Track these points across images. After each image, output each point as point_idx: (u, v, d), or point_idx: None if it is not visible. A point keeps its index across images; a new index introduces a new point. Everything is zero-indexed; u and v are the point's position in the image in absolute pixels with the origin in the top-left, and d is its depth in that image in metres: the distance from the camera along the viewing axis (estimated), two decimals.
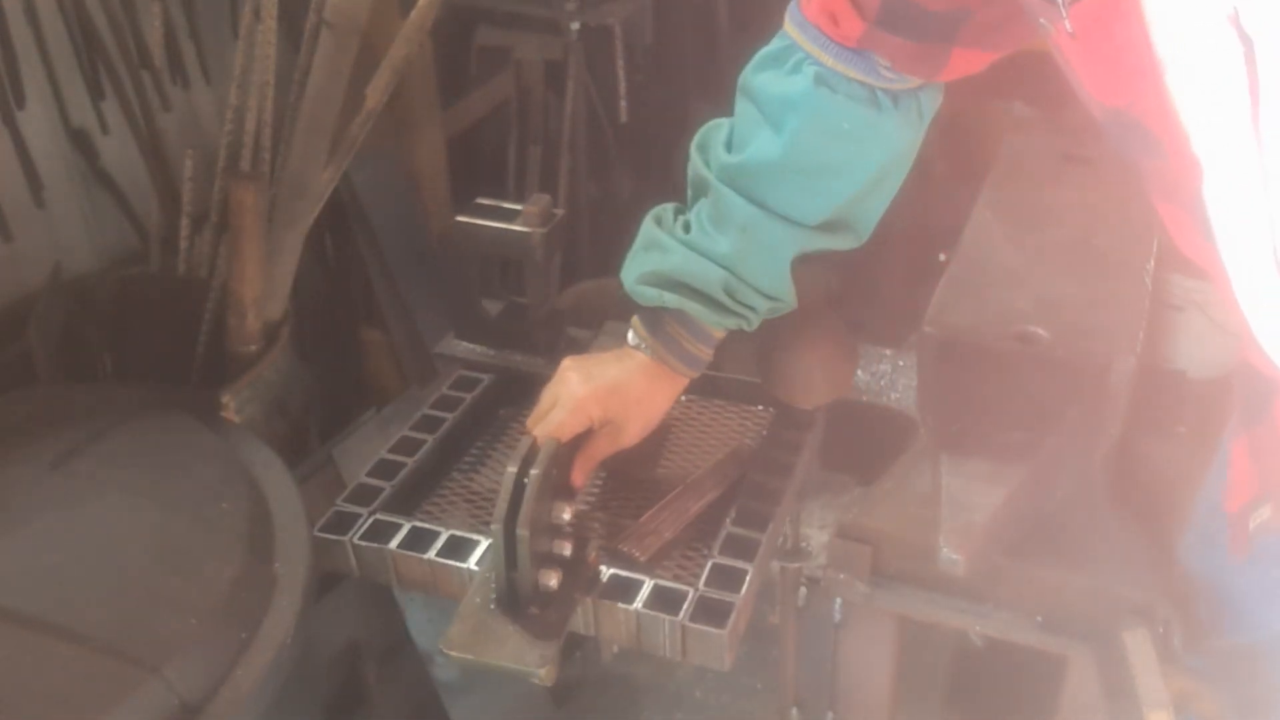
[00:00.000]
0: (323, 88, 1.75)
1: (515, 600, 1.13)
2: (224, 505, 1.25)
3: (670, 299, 1.24)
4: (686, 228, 1.26)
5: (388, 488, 1.34)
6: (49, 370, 1.72)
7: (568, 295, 1.89)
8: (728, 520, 1.29)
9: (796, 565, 1.54)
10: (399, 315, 2.34)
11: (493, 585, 1.14)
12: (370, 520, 1.29)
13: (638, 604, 1.16)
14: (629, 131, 2.87)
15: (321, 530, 1.28)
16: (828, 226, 1.24)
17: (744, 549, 1.25)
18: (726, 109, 1.33)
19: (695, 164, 1.28)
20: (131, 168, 2.03)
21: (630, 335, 1.30)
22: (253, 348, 1.77)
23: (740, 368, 1.51)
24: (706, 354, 1.30)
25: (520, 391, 1.53)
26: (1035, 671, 1.54)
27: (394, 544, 1.26)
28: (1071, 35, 0.81)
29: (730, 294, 1.24)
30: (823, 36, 1.15)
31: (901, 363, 1.72)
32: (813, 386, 1.42)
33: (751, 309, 1.26)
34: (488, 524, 1.26)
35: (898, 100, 1.18)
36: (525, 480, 1.11)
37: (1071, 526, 1.41)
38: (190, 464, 1.31)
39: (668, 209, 1.31)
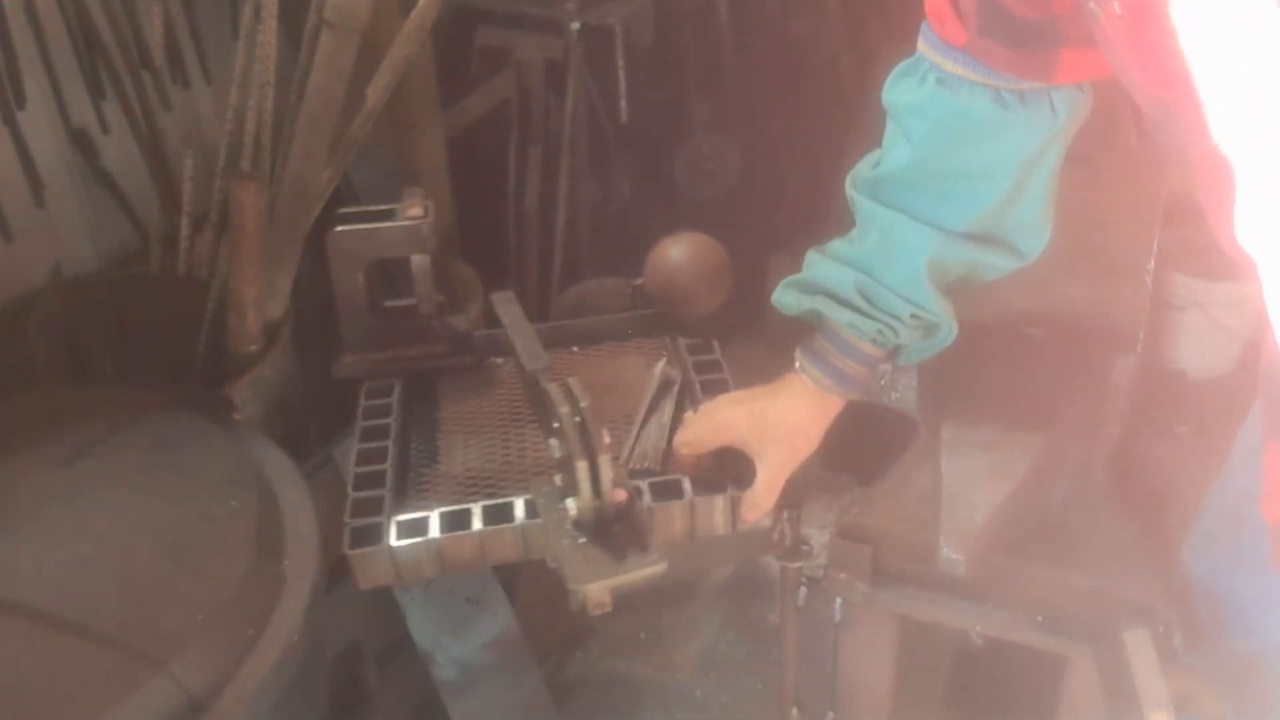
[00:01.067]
0: (323, 88, 1.75)
1: (602, 525, 1.21)
2: (233, 503, 1.25)
3: (805, 303, 1.27)
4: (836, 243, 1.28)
5: (384, 492, 1.34)
6: (49, 370, 1.72)
7: (569, 295, 1.89)
8: None
9: (797, 565, 1.54)
10: None
11: (568, 524, 1.21)
12: (393, 523, 1.29)
13: (688, 496, 1.30)
14: (629, 131, 2.86)
15: (356, 549, 1.26)
16: (975, 237, 1.22)
17: None
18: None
19: (847, 190, 1.27)
20: (132, 168, 2.02)
21: (796, 360, 1.30)
22: (253, 347, 1.77)
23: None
24: (857, 370, 1.27)
25: (427, 385, 1.57)
26: (1035, 671, 1.54)
27: (435, 532, 1.28)
28: (1120, 17, 0.81)
29: (864, 295, 1.23)
30: (940, 42, 1.16)
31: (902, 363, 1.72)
32: (698, 298, 1.58)
33: (893, 315, 1.23)
34: (492, 493, 1.35)
35: (1025, 99, 1.16)
36: (580, 416, 1.17)
37: (1071, 526, 1.41)
38: (199, 463, 1.32)
39: (829, 244, 1.30)
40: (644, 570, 1.19)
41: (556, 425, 1.19)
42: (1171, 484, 1.49)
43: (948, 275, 1.24)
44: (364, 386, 1.54)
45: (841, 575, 1.47)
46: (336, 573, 1.80)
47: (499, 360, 1.62)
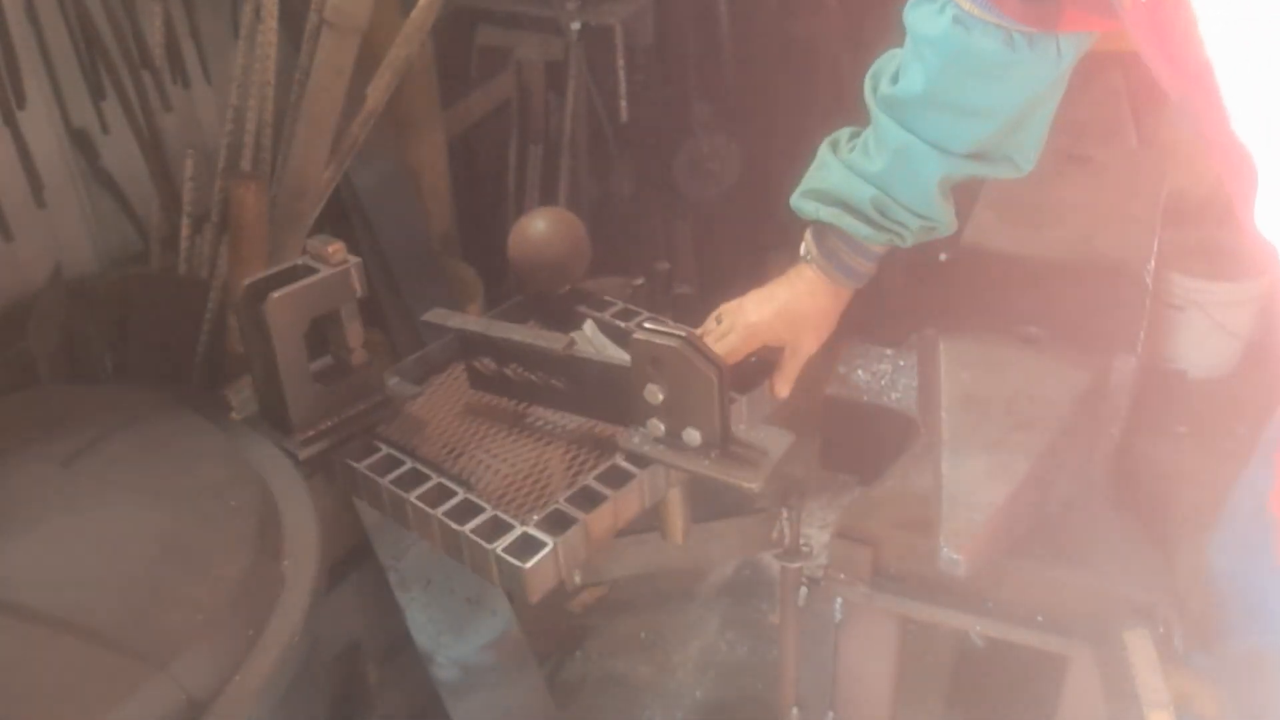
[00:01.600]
0: (323, 88, 1.75)
1: (725, 438, 1.31)
2: (232, 504, 1.25)
3: (825, 213, 1.38)
4: (852, 150, 1.38)
5: (489, 511, 1.29)
6: (50, 370, 1.72)
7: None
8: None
9: (797, 565, 1.54)
10: (399, 315, 2.34)
11: (693, 450, 1.30)
12: (530, 526, 1.26)
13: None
14: (629, 131, 2.87)
15: (525, 563, 1.21)
16: (978, 156, 1.33)
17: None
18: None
19: (866, 91, 1.38)
20: (132, 168, 2.03)
21: (802, 248, 1.44)
22: None
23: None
24: (866, 267, 1.42)
25: (397, 431, 1.47)
26: (1035, 671, 1.54)
27: (577, 514, 1.29)
28: (1143, 3, 0.83)
29: (880, 210, 1.35)
30: None
31: (901, 363, 1.72)
32: (569, 267, 1.63)
33: (903, 225, 1.36)
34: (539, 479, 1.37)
35: (1033, 42, 1.23)
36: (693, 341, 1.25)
37: (1072, 526, 1.41)
38: (199, 463, 1.32)
39: (844, 133, 1.43)
40: (785, 443, 1.35)
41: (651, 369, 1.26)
42: (1171, 484, 1.49)
43: (953, 184, 1.37)
44: (337, 467, 1.42)
45: (842, 575, 1.47)
46: (337, 572, 1.81)
47: (439, 376, 1.59)
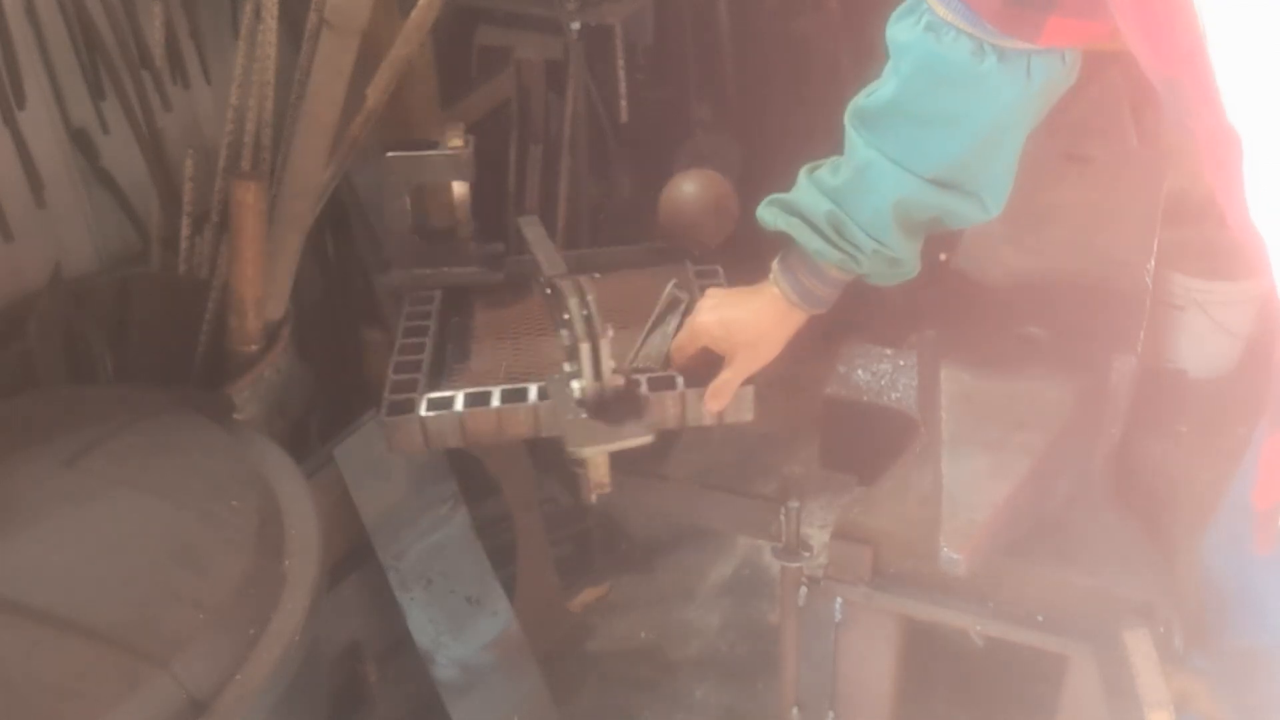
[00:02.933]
0: (323, 88, 1.75)
1: (604, 402, 1.37)
2: (234, 503, 1.25)
3: (783, 221, 1.36)
4: (821, 167, 1.36)
5: (419, 376, 1.53)
6: (50, 370, 1.72)
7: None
8: None
9: (797, 565, 1.54)
10: (400, 314, 2.33)
11: (575, 400, 1.37)
12: (424, 399, 1.49)
13: (679, 387, 1.46)
14: (629, 131, 2.87)
15: (391, 414, 1.47)
16: (941, 183, 1.29)
17: None
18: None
19: (846, 113, 1.35)
20: (132, 168, 2.02)
21: (770, 269, 1.43)
22: (253, 348, 1.77)
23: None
24: (822, 291, 1.38)
25: (463, 299, 1.75)
26: (1035, 671, 1.54)
27: (459, 407, 1.47)
28: None
29: (835, 227, 1.32)
30: None
31: (901, 363, 1.72)
32: (706, 228, 1.73)
33: (857, 246, 1.32)
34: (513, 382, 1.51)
35: (1004, 56, 1.21)
36: (589, 308, 1.33)
37: (1071, 526, 1.41)
38: (201, 463, 1.32)
39: (824, 161, 1.39)
40: (633, 439, 1.35)
41: (566, 317, 1.35)
42: (1171, 484, 1.49)
43: (914, 218, 1.32)
44: (407, 297, 1.73)
45: (842, 575, 1.47)
46: (337, 572, 1.81)
47: (537, 280, 1.73)
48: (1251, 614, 1.25)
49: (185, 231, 1.89)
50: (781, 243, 1.40)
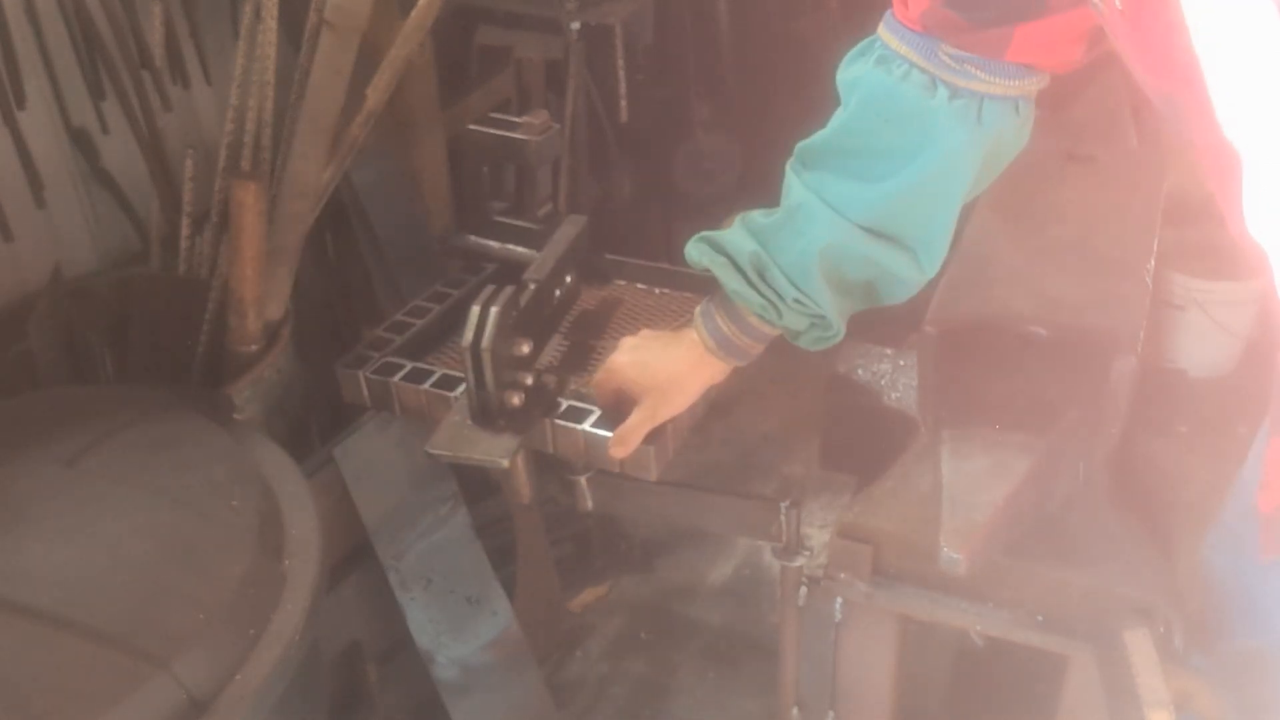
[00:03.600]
0: (323, 88, 1.75)
1: (486, 414, 1.38)
2: (234, 503, 1.26)
3: (707, 259, 1.30)
4: (754, 211, 1.31)
5: (398, 340, 1.61)
6: (50, 370, 1.72)
7: None
8: None
9: (797, 565, 1.54)
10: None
11: (465, 405, 1.39)
12: (380, 361, 1.58)
13: (587, 425, 1.44)
14: (629, 131, 2.87)
15: (343, 365, 1.57)
16: (875, 231, 1.21)
17: None
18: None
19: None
20: (132, 168, 2.02)
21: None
22: (253, 348, 1.77)
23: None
24: (741, 341, 1.31)
25: (518, 279, 1.72)
26: (1036, 671, 1.54)
27: (397, 377, 1.55)
28: (1120, 11, 0.82)
29: (757, 268, 1.26)
30: (893, 20, 1.19)
31: (902, 363, 1.72)
32: None
33: (778, 293, 1.25)
34: None
35: (956, 94, 1.16)
36: (489, 314, 1.33)
37: (1072, 526, 1.41)
38: (201, 463, 1.33)
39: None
40: (484, 457, 1.35)
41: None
42: (1171, 484, 1.49)
43: (843, 272, 1.25)
44: (461, 264, 1.81)
45: (842, 575, 1.47)
46: (337, 573, 1.81)
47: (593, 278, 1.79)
48: (1254, 616, 1.25)
49: (185, 231, 1.89)
50: (710, 287, 1.34)
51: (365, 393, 1.58)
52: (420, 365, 1.57)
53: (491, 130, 1.74)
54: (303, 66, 1.80)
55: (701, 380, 1.37)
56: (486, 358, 1.33)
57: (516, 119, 1.76)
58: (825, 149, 1.23)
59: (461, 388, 1.47)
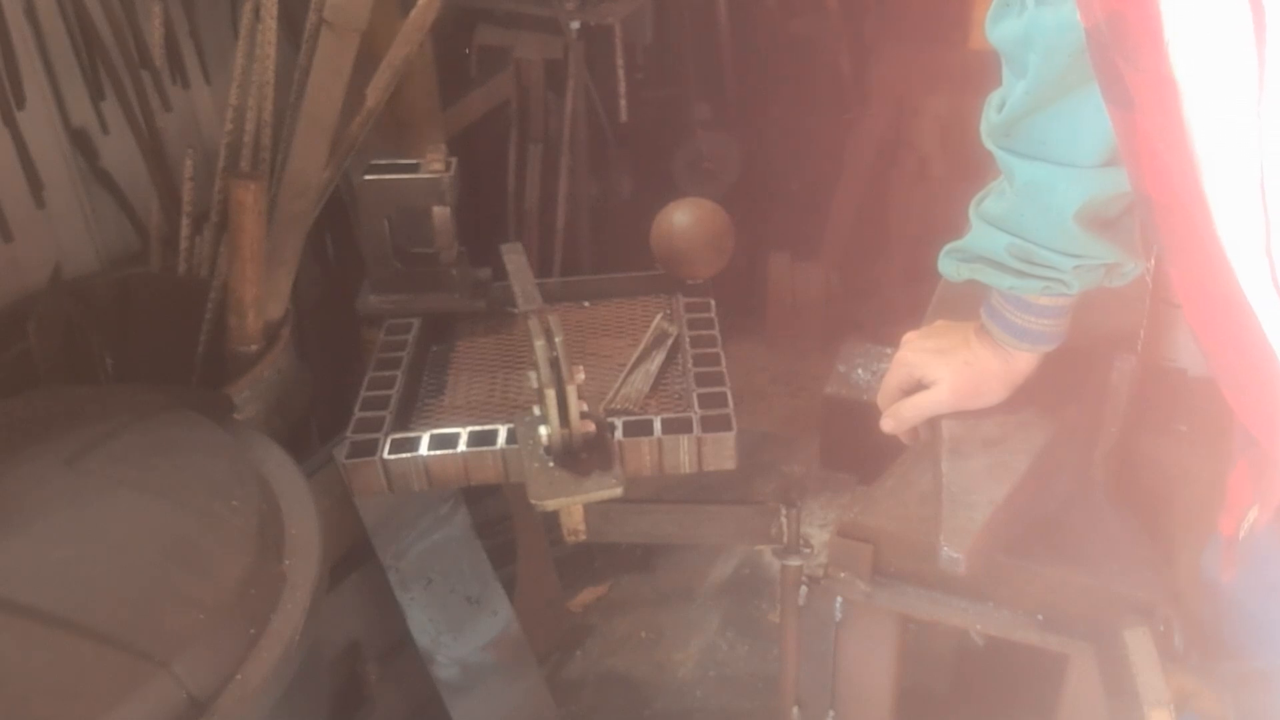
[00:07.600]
0: (323, 87, 1.75)
1: (571, 450, 1.32)
2: (234, 503, 1.25)
3: (965, 270, 1.25)
4: (985, 198, 1.23)
5: (386, 415, 1.50)
6: (50, 370, 1.72)
7: None
8: (690, 364, 1.53)
9: (797, 564, 1.54)
10: None
11: (543, 447, 1.32)
12: (388, 440, 1.46)
13: (656, 433, 1.42)
14: (629, 131, 2.87)
15: (349, 458, 1.44)
16: (1113, 161, 1.12)
17: (714, 379, 1.53)
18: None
19: (984, 142, 1.21)
20: (132, 168, 2.03)
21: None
22: (253, 348, 1.77)
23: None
24: (1039, 324, 1.25)
25: (445, 326, 1.73)
26: (1036, 670, 1.54)
27: (424, 450, 1.44)
28: (1136, 109, 0.79)
29: (1020, 257, 1.19)
30: None
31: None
32: (702, 260, 1.71)
33: (1054, 268, 1.18)
34: (488, 423, 1.48)
35: None
36: (556, 350, 1.29)
37: (1071, 526, 1.41)
38: (202, 462, 1.32)
39: (990, 188, 1.24)
40: (601, 491, 1.29)
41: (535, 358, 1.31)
42: (1171, 483, 1.49)
43: (1109, 213, 1.16)
44: (385, 324, 1.71)
45: (842, 574, 1.47)
46: (337, 572, 1.81)
47: (514, 309, 1.71)
48: (1255, 635, 1.24)
49: (185, 231, 1.89)
50: (979, 291, 1.27)
51: (385, 480, 1.45)
52: (439, 430, 1.47)
53: (395, 176, 1.67)
54: (302, 66, 1.80)
55: (1007, 379, 1.34)
56: (571, 393, 1.29)
57: (408, 161, 1.71)
58: (1029, 112, 1.13)
59: (501, 439, 1.42)
